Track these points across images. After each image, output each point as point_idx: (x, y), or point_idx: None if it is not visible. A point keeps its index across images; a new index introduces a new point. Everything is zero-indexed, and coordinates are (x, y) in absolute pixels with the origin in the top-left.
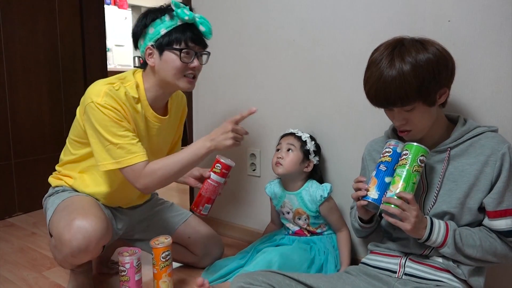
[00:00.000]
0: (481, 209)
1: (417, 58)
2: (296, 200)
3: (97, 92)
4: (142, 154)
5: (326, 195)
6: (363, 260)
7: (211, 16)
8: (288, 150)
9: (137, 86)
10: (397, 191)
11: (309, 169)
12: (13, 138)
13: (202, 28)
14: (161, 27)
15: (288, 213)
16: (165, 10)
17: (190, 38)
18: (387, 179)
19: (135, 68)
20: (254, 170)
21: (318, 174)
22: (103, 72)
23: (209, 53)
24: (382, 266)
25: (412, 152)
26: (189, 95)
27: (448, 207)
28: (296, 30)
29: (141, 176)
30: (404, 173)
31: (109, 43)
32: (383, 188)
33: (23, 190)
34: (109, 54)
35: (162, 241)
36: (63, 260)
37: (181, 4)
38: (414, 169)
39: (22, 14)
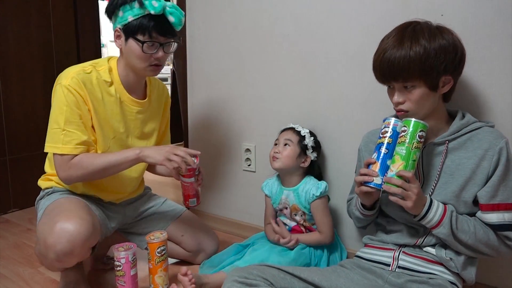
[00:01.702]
0: (476, 202)
1: (430, 39)
2: (293, 196)
3: (65, 75)
4: (75, 147)
5: (318, 193)
6: (357, 253)
7: (205, 10)
8: (285, 144)
9: (110, 70)
10: (397, 170)
11: (306, 164)
12: (8, 134)
13: (171, 18)
14: (129, 14)
15: (286, 208)
16: None
17: (155, 29)
18: (389, 162)
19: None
20: (249, 165)
21: (316, 170)
22: None
23: (177, 42)
24: (376, 259)
25: (410, 128)
26: (183, 90)
27: (443, 199)
28: (290, 25)
29: (67, 166)
30: (404, 151)
31: (104, 39)
32: (386, 171)
33: (18, 187)
34: (104, 50)
35: (158, 236)
36: (50, 265)
37: None
38: (414, 146)
39: (15, 8)
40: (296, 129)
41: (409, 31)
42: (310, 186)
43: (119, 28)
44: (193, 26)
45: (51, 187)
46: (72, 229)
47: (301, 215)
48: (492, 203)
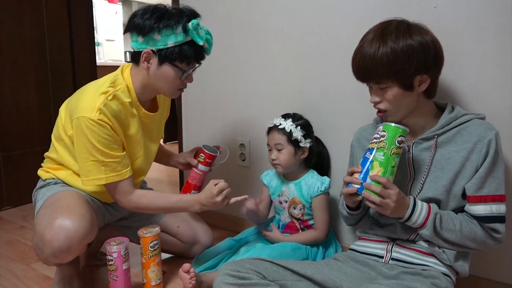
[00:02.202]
0: (465, 195)
1: (396, 40)
2: (295, 189)
3: (91, 106)
4: (125, 172)
5: (323, 188)
6: (351, 246)
7: (198, 5)
8: (279, 150)
9: (128, 89)
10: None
11: (306, 154)
12: (1, 131)
13: (205, 45)
14: (170, 39)
15: (286, 201)
16: (179, 20)
17: (195, 58)
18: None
19: (124, 63)
20: (243, 160)
21: (314, 156)
22: (92, 65)
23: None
24: (370, 252)
25: (389, 133)
26: None
27: (434, 194)
28: (284, 19)
29: (126, 199)
30: (382, 157)
31: (100, 37)
32: (367, 176)
33: (12, 184)
34: (99, 48)
35: (150, 231)
36: (46, 260)
37: (198, 24)
38: (392, 152)
39: (8, 4)
40: (279, 127)
41: (379, 32)
42: (315, 181)
43: (153, 51)
44: None
45: (53, 178)
46: (70, 226)
47: (300, 209)
48: (479, 194)
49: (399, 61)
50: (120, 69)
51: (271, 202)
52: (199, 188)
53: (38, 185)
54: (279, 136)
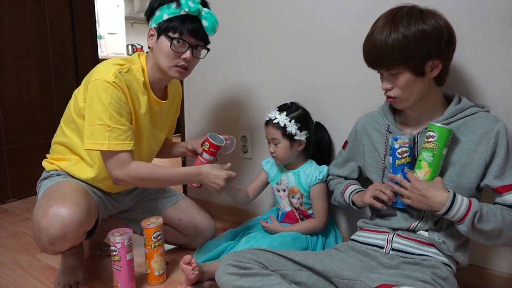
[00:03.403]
0: (479, 189)
1: (408, 26)
2: (293, 178)
3: (106, 71)
4: (128, 143)
5: (321, 177)
6: (352, 237)
7: None
8: (275, 144)
9: (143, 70)
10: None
11: (303, 146)
12: (4, 124)
13: (205, 23)
14: (165, 13)
15: (284, 190)
16: None
17: (187, 30)
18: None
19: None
20: (245, 152)
21: (311, 147)
22: (95, 57)
23: (207, 48)
24: (370, 242)
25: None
26: None
27: None
28: (285, 11)
29: (124, 169)
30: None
31: (102, 30)
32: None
33: (16, 177)
34: (101, 41)
35: (153, 222)
36: (44, 248)
37: None
38: (423, 146)
39: None
40: (274, 121)
41: (390, 19)
42: (313, 170)
43: (154, 27)
44: None
45: (56, 170)
46: (65, 214)
47: (298, 198)
48: (506, 184)
49: (411, 46)
50: (137, 53)
51: (263, 187)
52: None
53: (42, 177)
54: (274, 130)
